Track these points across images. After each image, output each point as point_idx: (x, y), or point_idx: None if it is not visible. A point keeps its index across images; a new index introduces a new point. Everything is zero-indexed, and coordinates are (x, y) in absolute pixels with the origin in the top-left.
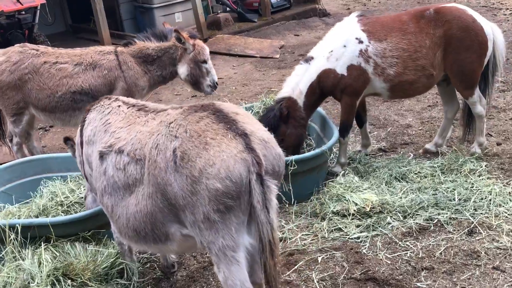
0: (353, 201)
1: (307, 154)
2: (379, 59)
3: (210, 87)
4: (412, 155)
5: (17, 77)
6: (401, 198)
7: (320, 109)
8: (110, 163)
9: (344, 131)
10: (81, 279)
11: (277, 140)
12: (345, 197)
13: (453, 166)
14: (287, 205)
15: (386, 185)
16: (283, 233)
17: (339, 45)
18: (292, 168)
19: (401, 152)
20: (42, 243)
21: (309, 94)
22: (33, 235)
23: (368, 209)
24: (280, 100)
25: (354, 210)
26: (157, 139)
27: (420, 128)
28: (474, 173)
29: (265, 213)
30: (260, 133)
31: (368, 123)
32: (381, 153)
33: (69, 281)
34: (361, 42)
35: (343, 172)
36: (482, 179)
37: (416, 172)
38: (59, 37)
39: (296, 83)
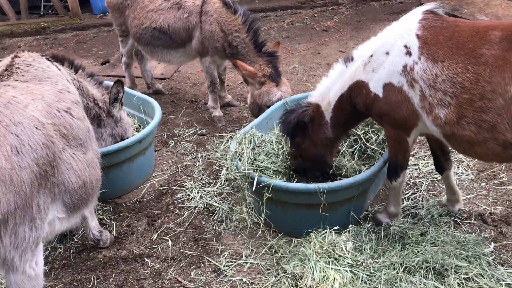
0: (312, 271)
1: (293, 185)
2: (427, 88)
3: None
4: (492, 245)
5: (120, 1)
6: None
7: None
8: None
9: (392, 172)
10: None
11: (292, 147)
12: (310, 260)
13: None
14: (270, 233)
15: (399, 271)
16: (227, 265)
17: (382, 50)
18: (267, 194)
19: (485, 234)
20: None
21: (337, 108)
22: None
23: None
24: (307, 106)
25: (305, 285)
26: None
27: None
28: None
29: None
30: None
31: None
32: (474, 222)
33: None
34: (409, 53)
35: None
36: None
37: (466, 276)
38: None
39: (328, 89)
